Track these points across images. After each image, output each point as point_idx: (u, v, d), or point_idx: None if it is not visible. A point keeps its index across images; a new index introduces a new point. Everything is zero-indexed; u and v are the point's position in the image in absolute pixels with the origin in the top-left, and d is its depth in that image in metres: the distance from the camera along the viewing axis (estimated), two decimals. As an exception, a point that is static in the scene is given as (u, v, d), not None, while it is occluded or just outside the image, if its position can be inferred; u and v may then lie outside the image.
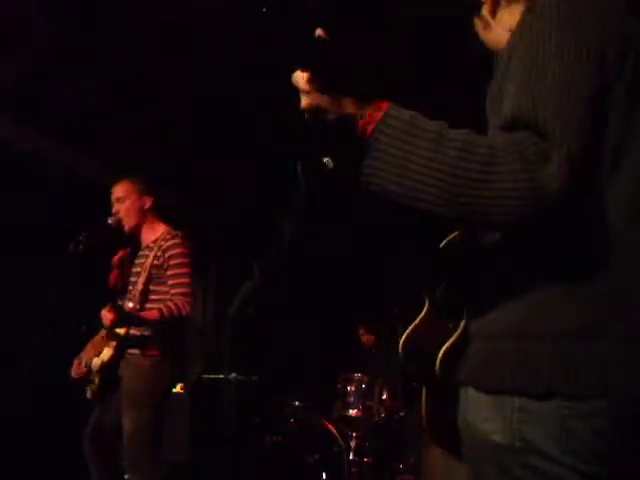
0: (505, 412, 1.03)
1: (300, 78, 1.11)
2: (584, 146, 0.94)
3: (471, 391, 1.10)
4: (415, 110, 1.08)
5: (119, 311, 3.20)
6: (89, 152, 5.06)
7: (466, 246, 1.26)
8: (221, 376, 4.32)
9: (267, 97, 4.38)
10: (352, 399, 4.44)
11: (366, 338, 5.25)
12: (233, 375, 4.29)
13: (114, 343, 3.29)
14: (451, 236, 1.33)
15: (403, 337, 1.32)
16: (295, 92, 1.17)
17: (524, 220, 0.93)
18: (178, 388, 3.89)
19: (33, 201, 4.51)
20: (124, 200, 3.44)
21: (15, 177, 4.41)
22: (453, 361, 1.18)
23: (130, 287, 3.47)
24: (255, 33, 3.81)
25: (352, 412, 4.41)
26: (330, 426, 4.34)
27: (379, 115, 1.04)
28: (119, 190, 3.47)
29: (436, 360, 1.19)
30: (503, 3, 1.25)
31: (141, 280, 3.30)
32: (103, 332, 3.41)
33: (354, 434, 4.32)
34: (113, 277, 3.51)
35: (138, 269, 3.40)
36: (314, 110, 1.11)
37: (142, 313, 3.29)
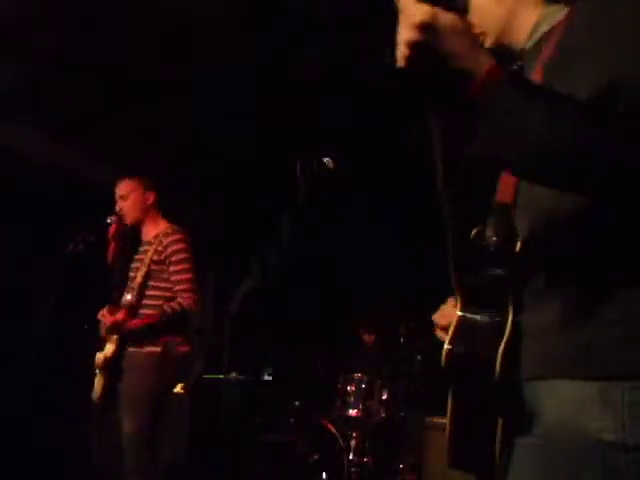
0: (616, 407, 1.00)
1: (416, 10, 0.97)
2: None
3: (566, 385, 1.05)
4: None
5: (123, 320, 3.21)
6: (89, 152, 5.07)
7: (503, 240, 1.19)
8: (221, 376, 4.32)
9: (267, 97, 4.38)
10: (352, 399, 4.44)
11: (367, 338, 5.25)
12: (233, 375, 4.29)
13: (115, 337, 3.27)
14: (476, 229, 1.28)
15: (445, 347, 1.18)
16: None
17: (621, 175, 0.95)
18: (178, 388, 3.89)
19: (33, 201, 4.51)
20: (127, 197, 3.46)
21: (15, 177, 4.41)
22: (509, 359, 1.12)
23: (130, 281, 3.47)
24: (255, 32, 3.82)
25: (352, 412, 4.40)
26: (330, 426, 4.34)
27: (494, 78, 0.97)
28: (122, 188, 3.49)
29: (490, 362, 1.12)
30: None
31: (140, 274, 3.28)
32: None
33: (354, 434, 4.32)
34: (111, 252, 3.44)
35: (138, 264, 3.39)
36: (425, 48, 0.96)
37: (145, 318, 3.26)
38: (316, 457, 4.30)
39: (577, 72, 1.04)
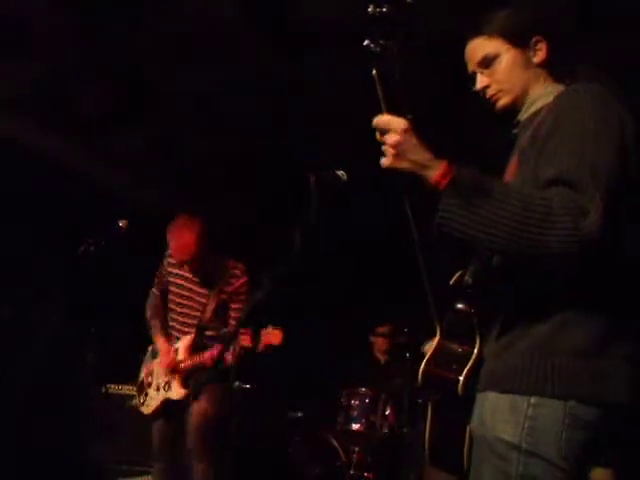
0: (520, 417, 1.33)
1: (396, 123, 1.35)
2: (610, 204, 1.28)
3: (492, 396, 1.40)
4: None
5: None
6: (105, 155, 5.09)
7: (475, 283, 1.54)
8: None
9: (281, 109, 4.40)
10: (355, 413, 4.41)
11: (380, 356, 5.12)
12: (237, 384, 4.28)
13: (180, 379, 3.58)
14: (457, 274, 1.61)
15: (421, 368, 1.53)
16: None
17: (569, 256, 1.27)
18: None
19: (46, 203, 4.54)
20: (200, 254, 3.64)
21: (29, 178, 4.45)
22: (473, 380, 1.46)
23: (184, 301, 3.68)
24: (270, 47, 3.84)
25: (355, 426, 4.37)
26: (332, 440, 4.32)
27: (448, 178, 1.31)
28: (187, 246, 3.61)
29: (457, 383, 1.46)
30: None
31: (210, 308, 3.64)
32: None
33: (356, 449, 4.29)
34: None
35: (204, 299, 3.65)
36: (405, 145, 1.34)
37: (211, 352, 3.55)
38: (317, 471, 4.28)
39: (532, 168, 1.41)
